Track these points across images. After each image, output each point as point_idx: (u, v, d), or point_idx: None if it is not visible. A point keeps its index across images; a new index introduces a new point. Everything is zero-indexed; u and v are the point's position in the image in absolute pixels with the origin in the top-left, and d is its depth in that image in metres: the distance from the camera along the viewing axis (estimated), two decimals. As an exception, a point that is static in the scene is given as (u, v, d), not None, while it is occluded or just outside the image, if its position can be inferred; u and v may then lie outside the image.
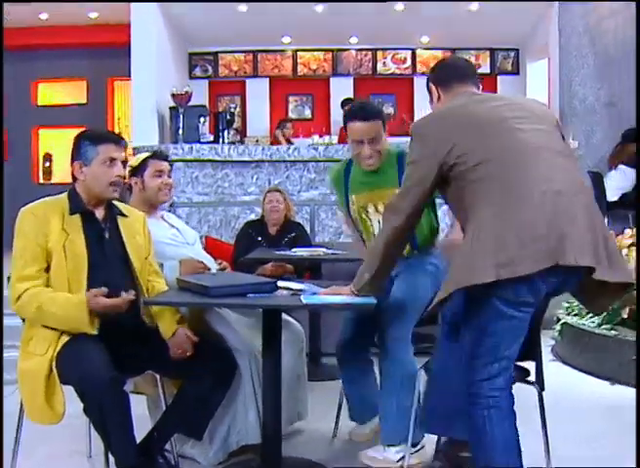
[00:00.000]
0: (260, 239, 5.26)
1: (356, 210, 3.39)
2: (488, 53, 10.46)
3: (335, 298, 2.77)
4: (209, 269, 3.36)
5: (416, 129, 2.64)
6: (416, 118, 9.43)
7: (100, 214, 3.05)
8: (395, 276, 3.34)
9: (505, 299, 2.42)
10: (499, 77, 10.50)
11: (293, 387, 3.52)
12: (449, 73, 2.78)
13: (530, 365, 2.99)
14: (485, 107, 2.58)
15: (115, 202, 3.13)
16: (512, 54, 10.46)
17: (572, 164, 2.59)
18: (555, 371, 4.88)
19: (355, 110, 3.29)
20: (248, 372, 3.26)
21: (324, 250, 4.86)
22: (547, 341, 5.29)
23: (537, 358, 2.99)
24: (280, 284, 2.93)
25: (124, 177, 3.08)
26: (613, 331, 4.81)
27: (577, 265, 2.36)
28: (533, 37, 9.44)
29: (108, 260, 2.99)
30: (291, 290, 2.91)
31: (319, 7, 8.63)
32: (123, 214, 3.13)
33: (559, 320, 5.28)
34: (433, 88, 2.79)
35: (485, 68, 10.44)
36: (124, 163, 3.04)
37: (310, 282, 3.17)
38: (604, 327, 4.88)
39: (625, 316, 4.86)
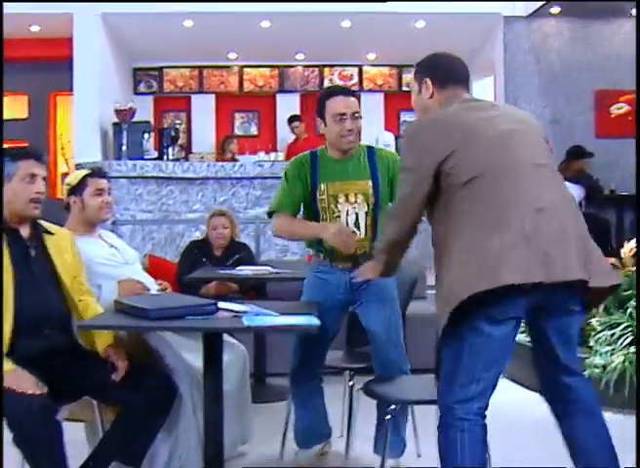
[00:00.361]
0: (204, 260, 5.17)
1: (325, 199, 3.26)
2: None
3: (276, 320, 2.72)
4: (148, 290, 3.28)
5: (411, 134, 2.62)
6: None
7: (25, 232, 2.96)
8: (361, 303, 3.35)
9: (485, 315, 2.39)
10: None
11: (236, 410, 3.45)
12: (448, 73, 2.75)
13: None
14: (481, 117, 2.58)
15: (40, 220, 3.03)
16: None
17: (557, 177, 2.61)
18: (502, 393, 4.85)
19: (336, 88, 3.32)
20: (189, 396, 3.17)
21: (269, 268, 4.80)
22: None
23: None
24: (221, 305, 2.86)
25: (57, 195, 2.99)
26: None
27: (566, 280, 2.38)
28: (478, 55, 9.48)
29: (36, 278, 2.90)
30: (232, 311, 2.84)
31: (265, 23, 8.60)
32: (49, 232, 3.04)
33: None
34: (429, 82, 2.72)
35: None
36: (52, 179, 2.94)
37: (254, 302, 3.10)
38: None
39: None
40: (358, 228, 3.25)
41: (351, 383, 3.60)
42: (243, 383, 3.55)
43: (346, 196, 3.25)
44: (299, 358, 3.40)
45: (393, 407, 2.95)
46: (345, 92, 3.26)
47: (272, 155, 9.24)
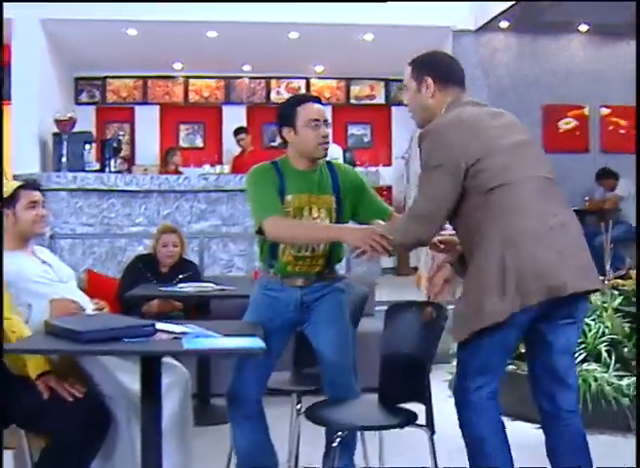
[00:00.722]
0: (149, 276, 5.02)
1: (291, 212, 3.13)
2: (382, 83, 10.52)
3: (218, 343, 2.58)
4: (83, 310, 3.12)
5: (439, 131, 2.60)
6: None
7: None
8: (310, 323, 3.24)
9: (511, 324, 2.54)
10: (393, 107, 10.57)
11: (177, 434, 3.26)
12: (449, 73, 2.78)
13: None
14: (500, 125, 2.66)
15: None
16: None
17: (561, 191, 2.72)
18: (452, 409, 4.78)
19: (305, 95, 3.28)
20: (125, 422, 3.01)
21: (212, 285, 4.68)
22: (444, 376, 5.19)
23: (426, 401, 2.90)
24: (159, 326, 2.72)
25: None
26: (511, 366, 4.75)
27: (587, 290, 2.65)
28: None
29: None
30: (171, 333, 2.69)
31: (212, 33, 8.47)
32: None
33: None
34: (430, 81, 2.73)
35: (379, 99, 10.53)
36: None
37: (195, 323, 2.96)
38: (500, 362, 4.81)
39: (523, 350, 4.79)
40: (318, 244, 3.13)
41: (299, 406, 3.47)
42: (184, 406, 3.37)
43: (310, 210, 3.14)
44: (238, 380, 3.23)
45: (341, 433, 2.83)
46: (315, 99, 3.18)
47: (218, 168, 9.15)
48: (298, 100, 3.16)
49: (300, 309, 3.21)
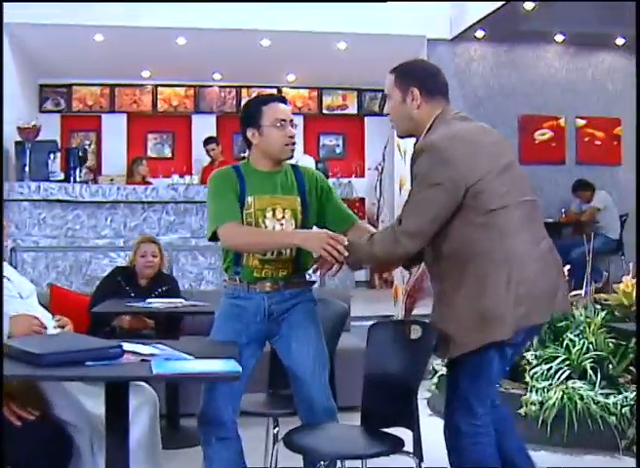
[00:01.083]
0: (128, 289, 4.90)
1: (253, 213, 3.02)
2: (355, 93, 10.46)
3: (190, 366, 2.39)
4: (45, 328, 2.91)
5: (441, 147, 2.56)
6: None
7: None
8: (280, 337, 3.10)
9: (511, 344, 2.62)
10: (366, 118, 10.51)
11: (145, 460, 3.07)
12: (436, 84, 2.74)
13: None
14: (492, 143, 2.68)
15: None
16: (379, 94, 10.34)
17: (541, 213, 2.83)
18: (434, 429, 4.62)
19: (269, 95, 3.19)
20: (88, 452, 2.80)
21: (181, 301, 4.57)
22: (423, 394, 5.05)
23: (413, 426, 2.75)
24: (126, 347, 2.53)
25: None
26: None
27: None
28: None
29: None
30: (139, 354, 2.51)
31: (181, 39, 8.30)
32: None
33: (436, 372, 5.06)
34: (416, 92, 2.68)
35: (352, 109, 10.48)
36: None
37: (164, 342, 2.77)
38: (481, 380, 4.68)
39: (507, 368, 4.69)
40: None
41: (276, 430, 3.28)
42: (153, 430, 3.17)
43: (274, 211, 3.04)
44: (210, 401, 3.07)
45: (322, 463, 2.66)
46: (281, 99, 3.11)
47: (187, 178, 8.96)
48: (263, 100, 3.08)
49: (268, 320, 3.07)
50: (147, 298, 4.66)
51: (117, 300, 4.68)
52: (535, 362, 4.69)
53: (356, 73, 9.59)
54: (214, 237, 2.98)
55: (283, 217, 3.04)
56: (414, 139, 2.79)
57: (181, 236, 6.71)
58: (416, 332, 2.89)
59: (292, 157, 3.09)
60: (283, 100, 3.09)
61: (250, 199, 3.02)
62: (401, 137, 2.89)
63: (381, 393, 2.92)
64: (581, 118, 8.79)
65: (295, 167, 3.15)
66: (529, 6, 7.22)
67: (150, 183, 8.41)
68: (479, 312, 2.56)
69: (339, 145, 10.51)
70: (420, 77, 2.73)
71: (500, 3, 7.28)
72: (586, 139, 8.82)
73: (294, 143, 3.05)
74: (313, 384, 3.03)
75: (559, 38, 8.52)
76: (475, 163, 2.56)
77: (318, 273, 2.96)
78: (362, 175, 10.17)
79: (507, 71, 8.61)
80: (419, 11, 8.05)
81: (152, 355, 2.52)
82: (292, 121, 3.05)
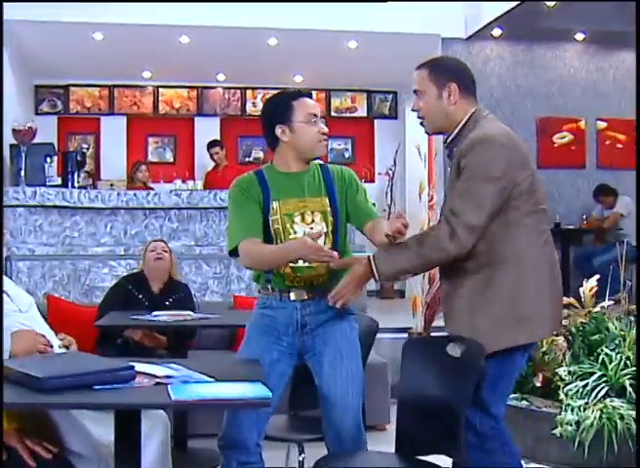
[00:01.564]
0: (141, 296, 4.82)
1: (280, 219, 2.91)
2: (365, 95, 10.33)
3: (213, 391, 2.14)
4: (51, 346, 2.69)
5: (498, 142, 2.58)
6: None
7: None
8: (314, 354, 2.95)
9: (526, 351, 2.72)
10: (376, 121, 10.37)
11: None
12: (471, 81, 2.78)
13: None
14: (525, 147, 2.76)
15: None
16: (390, 96, 10.35)
17: None
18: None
19: (296, 90, 3.11)
20: (95, 483, 2.57)
21: (190, 313, 4.36)
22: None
23: (458, 455, 2.54)
24: (139, 368, 2.31)
25: None
26: (524, 402, 4.46)
27: None
28: (411, 80, 8.94)
29: None
30: (153, 376, 2.29)
31: (184, 38, 8.12)
32: None
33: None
34: (454, 88, 2.70)
35: (362, 111, 10.34)
36: None
37: (178, 361, 2.55)
38: (512, 396, 4.48)
39: (538, 384, 4.54)
40: None
41: (302, 457, 3.06)
42: (164, 456, 2.97)
43: (302, 215, 2.94)
44: (234, 425, 2.91)
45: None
46: (309, 94, 3.04)
47: (190, 183, 8.75)
48: (291, 95, 2.99)
49: (301, 332, 2.94)
50: (162, 306, 4.57)
51: (122, 312, 4.52)
52: (568, 378, 4.51)
53: (366, 74, 9.47)
54: (234, 253, 2.91)
55: (313, 221, 2.93)
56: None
57: (185, 244, 6.57)
58: (455, 349, 2.67)
59: (326, 153, 3.05)
60: (310, 96, 3.01)
61: (275, 204, 2.93)
62: (431, 134, 2.88)
63: (420, 417, 2.74)
64: (603, 120, 8.61)
65: (322, 165, 3.04)
66: (551, 3, 7.03)
67: (151, 189, 8.31)
68: (516, 311, 2.59)
69: (347, 149, 10.36)
70: (457, 72, 2.76)
71: (517, 2, 7.11)
72: (608, 143, 8.63)
73: (326, 139, 2.97)
74: (345, 410, 2.89)
75: (579, 36, 8.35)
76: (526, 164, 2.62)
77: (337, 305, 2.80)
78: (372, 181, 9.98)
79: (525, 71, 8.45)
80: (432, 8, 7.90)
81: (168, 377, 2.31)
82: (322, 117, 3.00)
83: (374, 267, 2.62)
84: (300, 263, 2.85)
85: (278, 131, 2.90)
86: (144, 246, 5.12)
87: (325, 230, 2.92)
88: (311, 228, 2.89)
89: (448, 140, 2.76)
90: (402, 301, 9.10)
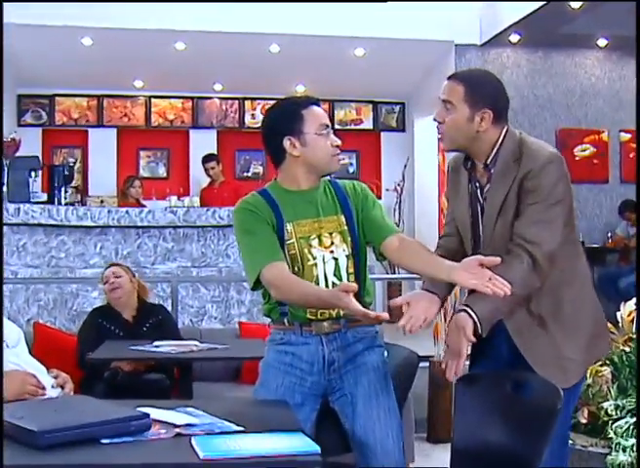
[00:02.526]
0: (113, 328, 4.63)
1: (295, 243, 2.67)
2: (371, 106, 10.22)
3: (250, 447, 1.81)
4: (43, 389, 2.42)
5: (562, 162, 2.61)
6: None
7: None
8: (342, 395, 2.70)
9: None
10: (382, 133, 10.25)
11: None
12: (506, 107, 2.72)
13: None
14: None
15: None
16: (397, 108, 10.22)
17: None
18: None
19: (305, 97, 2.87)
20: None
21: (195, 343, 4.14)
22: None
23: None
24: (155, 415, 1.99)
25: None
26: (569, 441, 4.17)
27: None
28: (424, 88, 9.18)
29: None
30: (172, 424, 1.99)
31: (180, 44, 8.02)
32: None
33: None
34: (489, 115, 2.61)
35: (367, 124, 10.22)
36: None
37: (196, 405, 2.24)
38: (553, 435, 4.22)
39: (584, 420, 4.24)
40: (339, 278, 2.68)
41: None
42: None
43: (319, 238, 2.71)
44: None
45: None
46: (317, 102, 2.80)
47: (186, 200, 8.68)
48: (301, 103, 2.77)
49: (328, 370, 2.69)
50: (139, 335, 4.45)
51: (113, 343, 4.35)
52: (615, 413, 4.26)
53: (373, 83, 9.37)
54: (257, 285, 2.64)
55: (332, 244, 2.72)
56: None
57: (181, 265, 6.44)
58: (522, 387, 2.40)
59: (336, 170, 2.79)
60: (319, 104, 2.80)
61: (289, 227, 2.70)
62: (448, 151, 2.83)
63: (480, 468, 2.41)
64: (626, 132, 8.56)
65: (331, 181, 2.83)
66: (577, 3, 6.86)
67: (144, 206, 8.15)
68: (590, 331, 2.65)
69: (352, 164, 10.22)
70: (495, 98, 2.68)
71: (541, 3, 6.95)
72: (632, 155, 8.55)
73: (339, 153, 2.76)
74: (387, 455, 2.64)
75: (601, 42, 8.28)
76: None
77: (405, 330, 2.56)
78: (379, 197, 9.70)
79: (544, 80, 8.38)
80: (445, 13, 7.83)
81: (189, 425, 2.00)
82: (333, 129, 2.79)
83: (473, 314, 2.50)
84: None
85: (286, 143, 2.66)
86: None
87: (347, 253, 2.69)
88: (331, 252, 2.68)
89: (486, 162, 2.67)
90: None
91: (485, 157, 2.66)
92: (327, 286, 2.63)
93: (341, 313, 2.62)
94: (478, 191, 2.70)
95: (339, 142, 2.72)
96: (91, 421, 1.83)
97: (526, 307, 2.59)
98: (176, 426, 1.98)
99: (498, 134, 2.65)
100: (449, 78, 2.72)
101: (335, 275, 2.65)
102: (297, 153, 2.67)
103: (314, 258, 2.65)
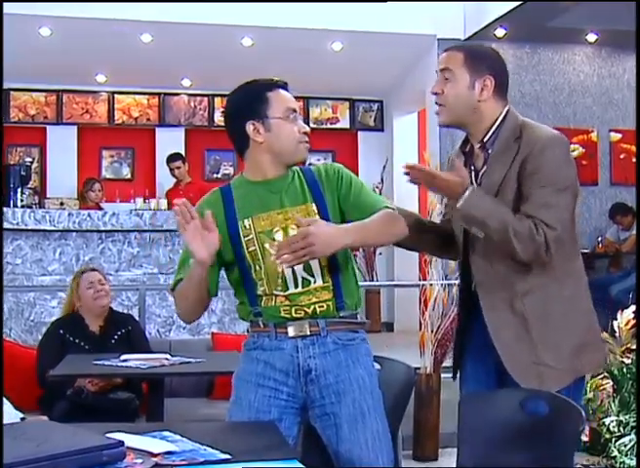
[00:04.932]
0: (78, 341, 4.51)
1: (255, 239, 2.56)
2: (347, 104, 10.21)
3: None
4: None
5: (567, 146, 2.63)
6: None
7: None
8: (323, 412, 2.55)
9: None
10: (360, 133, 10.24)
11: None
12: (507, 82, 2.73)
13: None
14: None
15: None
16: (375, 106, 10.19)
17: None
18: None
19: (270, 80, 2.70)
20: None
21: (166, 356, 4.03)
22: None
23: None
24: (129, 442, 1.84)
25: None
26: None
27: None
28: (405, 85, 9.17)
29: None
30: (149, 453, 1.85)
31: (146, 36, 7.87)
32: None
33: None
34: (490, 82, 2.63)
35: (344, 122, 10.21)
36: None
37: (172, 428, 2.08)
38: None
39: (585, 438, 4.26)
40: (311, 274, 2.55)
41: None
42: None
43: (284, 230, 2.58)
44: None
45: None
46: (285, 86, 2.69)
47: (152, 202, 8.50)
48: (266, 85, 2.66)
49: (304, 380, 2.55)
50: (105, 348, 4.38)
51: (72, 359, 4.18)
52: (618, 430, 4.24)
53: (350, 80, 9.32)
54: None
55: None
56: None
57: (147, 272, 6.48)
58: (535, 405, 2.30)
59: (305, 158, 2.69)
60: (286, 87, 2.70)
61: (247, 223, 2.60)
62: (444, 126, 2.79)
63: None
64: (616, 131, 8.52)
65: (302, 168, 2.71)
66: None
67: (101, 209, 8.06)
68: (580, 337, 2.60)
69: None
70: (497, 67, 2.69)
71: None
72: (622, 156, 8.51)
73: (308, 141, 2.66)
74: None
75: (591, 38, 8.21)
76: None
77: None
78: (356, 199, 9.68)
79: (530, 77, 8.31)
80: (427, 5, 7.78)
81: (168, 453, 1.86)
82: (300, 114, 2.71)
83: (468, 191, 2.51)
84: (293, 289, 2.51)
85: (249, 128, 2.56)
86: (73, 278, 4.77)
87: None
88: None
89: (483, 140, 2.66)
90: (392, 336, 8.87)
91: (482, 135, 2.65)
92: (296, 283, 2.52)
93: (318, 310, 2.51)
94: (473, 174, 2.67)
95: (307, 129, 2.62)
96: (57, 452, 1.66)
97: (509, 305, 2.56)
98: (153, 455, 1.84)
99: (498, 109, 2.65)
100: (446, 50, 2.74)
101: (305, 270, 2.53)
102: (260, 139, 2.58)
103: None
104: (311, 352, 2.53)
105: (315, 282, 2.55)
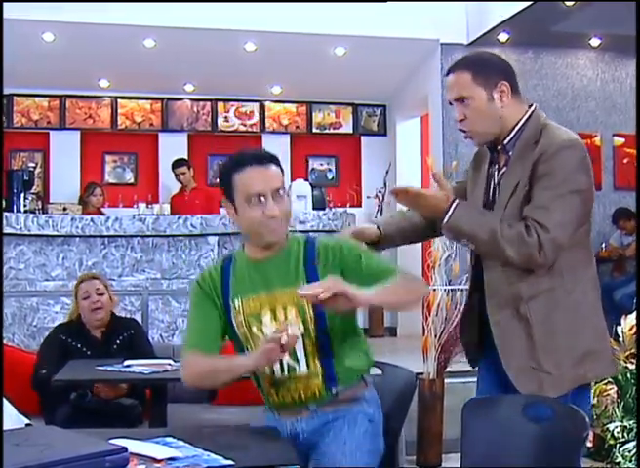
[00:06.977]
0: (80, 346, 4.50)
1: (244, 321, 2.54)
2: (350, 109, 10.18)
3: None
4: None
5: (581, 149, 2.59)
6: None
7: None
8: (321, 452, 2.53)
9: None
10: (363, 138, 10.20)
11: None
12: (516, 79, 2.71)
13: None
14: None
15: None
16: (378, 111, 10.16)
17: None
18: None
19: (246, 153, 2.62)
20: None
21: (169, 362, 4.02)
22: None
23: None
24: (131, 448, 1.84)
25: None
26: None
27: None
28: (408, 90, 9.16)
29: None
30: (153, 460, 1.87)
31: (149, 41, 7.86)
32: None
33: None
34: (505, 87, 2.63)
35: (347, 127, 10.16)
36: None
37: (174, 434, 2.08)
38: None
39: (589, 443, 4.25)
40: (297, 360, 2.52)
41: None
42: None
43: (274, 312, 2.53)
44: None
45: None
46: (260, 158, 2.57)
47: (155, 207, 8.55)
48: (236, 162, 2.58)
49: (307, 443, 2.57)
50: (108, 353, 4.35)
51: (77, 364, 4.18)
52: (622, 436, 4.25)
53: (353, 85, 9.31)
54: None
55: (287, 319, 2.52)
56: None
57: (150, 277, 6.41)
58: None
59: (278, 242, 2.57)
60: (265, 160, 2.56)
61: (237, 303, 2.58)
62: (480, 146, 2.78)
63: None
64: (620, 136, 8.47)
65: (308, 241, 2.64)
66: (568, 2, 6.87)
67: (103, 214, 8.08)
68: (585, 345, 2.57)
69: (331, 170, 10.15)
70: (504, 69, 2.71)
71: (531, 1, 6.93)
72: (626, 161, 8.47)
73: (275, 223, 2.53)
74: None
75: (594, 42, 8.17)
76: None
77: None
78: (359, 205, 9.76)
79: (534, 81, 8.25)
80: (431, 10, 7.80)
81: (171, 460, 1.85)
82: (279, 189, 2.53)
83: (453, 205, 2.53)
84: (279, 374, 2.51)
85: (226, 209, 2.60)
86: (74, 286, 4.74)
87: (302, 330, 2.49)
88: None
89: (504, 142, 2.66)
90: (395, 340, 8.86)
91: (504, 137, 2.66)
92: (282, 369, 2.49)
93: (304, 396, 2.51)
94: (495, 173, 2.70)
95: (274, 212, 2.49)
96: (60, 458, 1.67)
97: (515, 308, 2.56)
98: (156, 460, 1.86)
99: (521, 110, 2.66)
100: (447, 74, 2.71)
101: (291, 356, 2.48)
102: (233, 219, 2.59)
103: (265, 337, 2.47)
104: (307, 428, 2.56)
105: (300, 369, 2.53)
